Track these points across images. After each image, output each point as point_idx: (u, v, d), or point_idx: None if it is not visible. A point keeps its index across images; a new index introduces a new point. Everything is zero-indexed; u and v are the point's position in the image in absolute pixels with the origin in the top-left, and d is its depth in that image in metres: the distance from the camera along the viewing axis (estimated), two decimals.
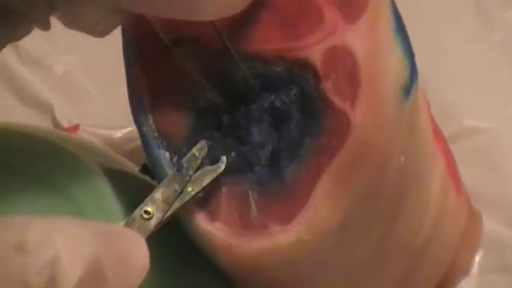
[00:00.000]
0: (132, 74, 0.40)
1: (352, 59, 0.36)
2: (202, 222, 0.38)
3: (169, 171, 0.39)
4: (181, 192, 0.38)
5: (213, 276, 0.42)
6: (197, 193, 0.38)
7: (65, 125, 0.57)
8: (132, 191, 0.43)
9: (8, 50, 0.58)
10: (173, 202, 0.37)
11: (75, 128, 0.56)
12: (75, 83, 0.58)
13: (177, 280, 0.41)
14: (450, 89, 0.53)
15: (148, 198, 0.37)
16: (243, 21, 0.37)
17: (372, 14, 0.36)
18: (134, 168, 0.51)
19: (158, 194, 0.37)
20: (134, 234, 0.32)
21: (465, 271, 0.48)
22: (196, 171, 0.38)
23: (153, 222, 0.37)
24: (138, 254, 0.31)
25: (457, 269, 0.47)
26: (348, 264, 0.40)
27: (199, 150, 0.38)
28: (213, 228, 0.38)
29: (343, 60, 0.36)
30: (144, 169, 0.51)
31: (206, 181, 0.38)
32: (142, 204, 0.37)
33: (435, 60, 0.52)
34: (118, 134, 0.56)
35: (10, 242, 0.27)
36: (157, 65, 0.40)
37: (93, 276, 0.29)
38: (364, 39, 0.36)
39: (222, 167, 0.38)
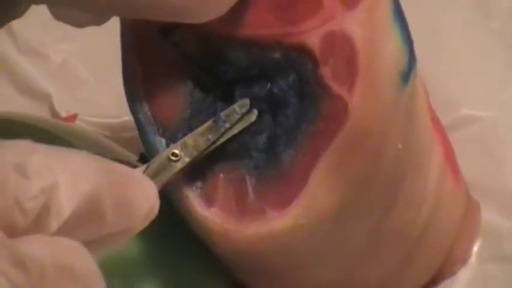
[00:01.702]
0: (127, 60, 0.40)
1: (350, 44, 0.36)
2: (199, 207, 0.38)
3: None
4: (214, 142, 0.37)
5: (213, 276, 0.42)
6: (226, 141, 0.38)
7: (63, 114, 0.57)
8: None
9: (4, 39, 0.58)
10: (203, 150, 0.37)
11: (73, 117, 0.56)
12: (73, 72, 0.58)
13: (175, 276, 0.41)
14: (447, 78, 0.52)
15: (179, 142, 0.37)
16: (240, 6, 0.37)
17: (370, 0, 0.36)
18: (132, 158, 0.50)
19: (190, 140, 0.37)
20: (144, 179, 0.31)
21: (463, 260, 0.48)
22: (233, 125, 0.38)
23: (179, 165, 0.37)
24: (144, 199, 0.30)
25: (454, 258, 0.47)
26: (344, 251, 0.40)
27: (240, 106, 0.38)
28: (209, 214, 0.38)
29: (341, 46, 0.36)
30: (142, 158, 0.51)
31: (236, 129, 0.38)
32: (172, 146, 0.37)
33: (432, 49, 0.52)
34: (116, 123, 0.56)
35: (10, 163, 0.27)
36: (153, 51, 0.40)
37: (91, 212, 0.28)
38: (362, 25, 0.36)
39: (253, 117, 0.38)
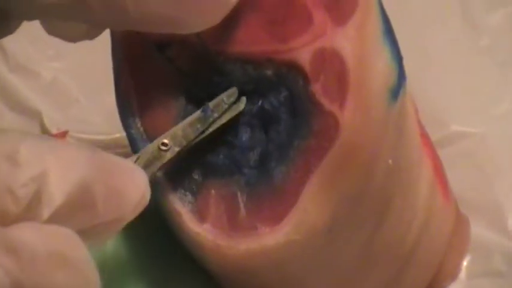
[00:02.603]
0: (119, 75, 0.40)
1: (341, 61, 0.36)
2: (191, 223, 0.38)
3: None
4: (203, 132, 0.38)
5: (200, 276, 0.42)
6: (214, 130, 0.38)
7: (54, 131, 0.56)
8: None
9: None
10: (192, 140, 0.38)
11: (64, 134, 0.56)
12: (64, 90, 0.58)
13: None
14: (436, 94, 0.53)
15: (168, 132, 0.37)
16: (232, 23, 0.37)
17: (360, 17, 0.36)
18: None
19: (179, 131, 0.38)
20: (134, 168, 0.31)
21: (453, 276, 0.48)
22: (221, 115, 0.38)
23: (169, 155, 0.37)
24: (134, 188, 0.30)
25: (444, 273, 0.47)
26: (336, 266, 0.40)
27: (228, 96, 0.38)
28: (201, 230, 0.38)
29: (331, 63, 0.36)
30: None
31: (225, 119, 0.38)
32: (161, 137, 0.37)
33: (421, 66, 0.52)
34: (107, 140, 0.56)
35: (1, 152, 0.27)
36: (145, 66, 0.40)
37: (82, 201, 0.28)
38: (352, 41, 0.36)
39: (241, 106, 0.38)
